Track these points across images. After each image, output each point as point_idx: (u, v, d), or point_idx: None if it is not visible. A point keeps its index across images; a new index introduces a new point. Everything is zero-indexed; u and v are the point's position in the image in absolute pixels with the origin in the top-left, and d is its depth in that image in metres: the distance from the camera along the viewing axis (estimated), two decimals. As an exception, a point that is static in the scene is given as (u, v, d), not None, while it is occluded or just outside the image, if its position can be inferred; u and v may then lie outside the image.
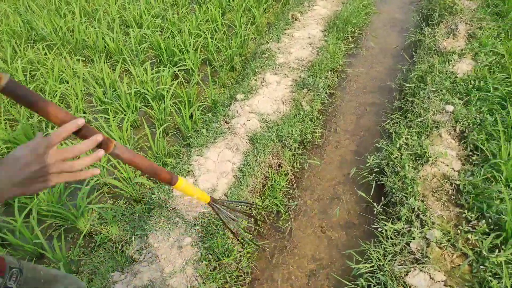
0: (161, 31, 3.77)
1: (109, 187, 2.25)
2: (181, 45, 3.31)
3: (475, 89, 2.13)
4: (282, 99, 2.50)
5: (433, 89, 2.17)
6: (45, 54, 3.45)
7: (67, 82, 3.05)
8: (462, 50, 2.44)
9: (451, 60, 2.36)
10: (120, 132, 2.46)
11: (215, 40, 3.37)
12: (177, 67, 3.14)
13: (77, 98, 2.82)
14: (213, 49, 3.30)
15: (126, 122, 2.57)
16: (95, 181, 2.19)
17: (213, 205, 1.28)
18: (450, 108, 2.05)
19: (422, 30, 2.88)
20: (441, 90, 2.16)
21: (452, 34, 2.62)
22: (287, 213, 1.97)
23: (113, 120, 2.59)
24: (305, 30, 3.24)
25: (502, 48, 2.38)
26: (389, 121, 2.23)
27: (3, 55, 3.52)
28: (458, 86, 2.17)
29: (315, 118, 2.42)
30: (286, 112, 2.40)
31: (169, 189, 2.02)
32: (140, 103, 2.76)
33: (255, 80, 2.70)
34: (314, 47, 3.01)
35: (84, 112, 2.78)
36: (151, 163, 0.91)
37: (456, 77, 2.25)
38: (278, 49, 3.01)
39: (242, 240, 1.69)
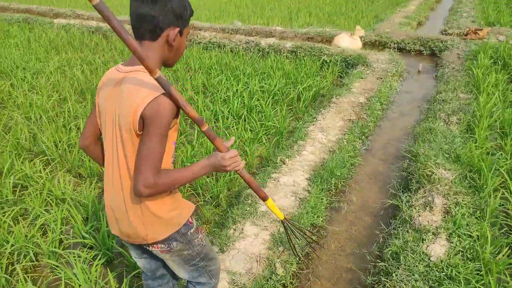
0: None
1: None
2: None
3: (448, 278, 2.11)
4: (257, 257, 2.48)
5: (405, 273, 2.16)
6: (40, 171, 3.55)
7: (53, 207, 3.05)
8: (437, 228, 2.49)
9: (425, 239, 2.38)
10: (88, 273, 2.39)
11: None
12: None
13: (55, 225, 2.81)
14: (200, 185, 3.41)
15: (98, 260, 2.53)
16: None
17: (286, 222, 1.76)
18: (421, 298, 2.01)
19: (400, 197, 2.98)
20: (413, 275, 2.14)
21: (429, 206, 2.70)
22: None
23: (85, 258, 2.55)
24: (291, 176, 3.37)
25: (476, 231, 2.43)
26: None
27: (0, 167, 3.63)
28: (430, 272, 2.16)
29: (288, 283, 2.36)
30: (259, 273, 2.36)
31: None
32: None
33: (233, 230, 2.72)
34: (297, 197, 3.09)
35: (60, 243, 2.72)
36: (256, 184, 1.53)
37: (429, 259, 2.25)
38: (262, 196, 3.09)
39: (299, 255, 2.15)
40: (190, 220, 1.45)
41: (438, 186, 2.93)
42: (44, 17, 12.08)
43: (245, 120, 4.70)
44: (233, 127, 4.46)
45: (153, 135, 1.17)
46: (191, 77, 6.30)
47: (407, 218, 2.63)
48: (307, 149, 3.84)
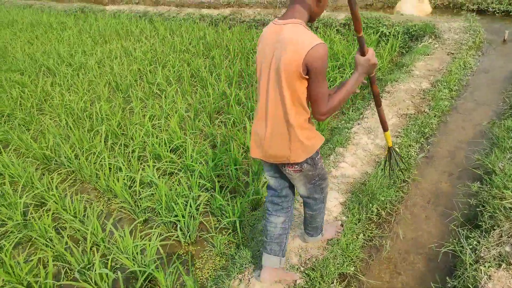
0: (171, 174, 3.54)
1: None
2: (186, 199, 2.99)
3: None
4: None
5: None
6: (54, 187, 3.33)
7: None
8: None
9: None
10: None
11: (222, 194, 3.02)
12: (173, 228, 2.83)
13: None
14: (217, 210, 2.95)
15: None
16: None
17: (391, 149, 2.20)
18: None
19: (462, 241, 2.20)
20: None
21: (506, 262, 1.92)
22: None
23: None
24: (323, 200, 2.73)
25: None
26: None
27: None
28: None
29: None
30: None
31: None
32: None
33: (239, 281, 2.22)
34: (325, 232, 2.47)
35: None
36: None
37: None
38: (282, 229, 2.52)
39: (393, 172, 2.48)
40: (318, 148, 1.78)
41: (522, 226, 2.10)
42: (99, 4, 12.26)
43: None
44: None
45: (318, 81, 1.49)
46: (227, 65, 5.75)
47: (470, 282, 1.89)
48: (347, 160, 3.13)
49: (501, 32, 5.48)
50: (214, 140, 3.89)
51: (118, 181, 3.29)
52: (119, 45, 7.51)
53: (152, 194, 3.20)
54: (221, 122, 4.25)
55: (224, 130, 3.98)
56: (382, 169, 2.81)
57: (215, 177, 3.26)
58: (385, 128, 2.03)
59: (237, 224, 2.75)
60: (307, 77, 1.50)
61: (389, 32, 5.85)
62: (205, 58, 6.31)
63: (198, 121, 4.25)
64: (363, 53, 1.58)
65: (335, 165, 3.08)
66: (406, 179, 2.94)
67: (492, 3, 6.45)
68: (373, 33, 5.92)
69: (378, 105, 1.89)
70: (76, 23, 10.12)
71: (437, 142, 3.37)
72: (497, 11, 6.38)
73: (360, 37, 1.55)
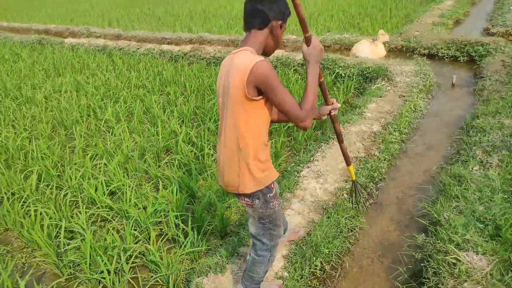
0: (105, 221, 3.23)
1: None
2: (117, 251, 2.68)
3: None
4: None
5: None
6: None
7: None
8: None
9: None
10: None
11: (158, 245, 2.74)
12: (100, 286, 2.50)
13: None
14: (150, 264, 2.66)
15: None
16: None
17: (355, 182, 2.52)
18: None
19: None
20: None
21: (449, 328, 1.76)
22: None
23: None
24: (264, 252, 2.52)
25: None
26: None
27: None
28: None
29: None
30: None
31: None
32: None
33: None
34: (264, 291, 2.24)
35: None
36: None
37: None
38: (216, 288, 2.27)
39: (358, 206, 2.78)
40: (272, 185, 1.73)
41: (466, 284, 1.97)
42: (59, 37, 11.96)
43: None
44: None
45: (275, 92, 1.49)
46: (181, 102, 5.59)
47: None
48: (293, 207, 2.96)
49: (450, 76, 5.69)
50: (157, 183, 3.64)
51: (43, 230, 2.94)
52: (72, 79, 7.20)
53: (78, 246, 2.87)
54: (166, 164, 4.01)
55: (169, 172, 3.74)
56: (349, 201, 2.92)
57: (152, 225, 2.99)
58: (348, 163, 2.23)
59: (170, 280, 2.48)
60: (257, 98, 1.52)
61: (345, 73, 5.94)
62: (160, 94, 6.13)
63: (144, 162, 3.99)
64: (308, 45, 1.63)
65: (283, 212, 2.89)
66: (354, 227, 2.79)
67: (441, 48, 6.76)
68: (329, 74, 5.99)
69: (340, 141, 2.11)
70: (31, 54, 9.75)
71: (386, 187, 3.28)
72: (446, 56, 6.67)
73: (307, 36, 1.61)
